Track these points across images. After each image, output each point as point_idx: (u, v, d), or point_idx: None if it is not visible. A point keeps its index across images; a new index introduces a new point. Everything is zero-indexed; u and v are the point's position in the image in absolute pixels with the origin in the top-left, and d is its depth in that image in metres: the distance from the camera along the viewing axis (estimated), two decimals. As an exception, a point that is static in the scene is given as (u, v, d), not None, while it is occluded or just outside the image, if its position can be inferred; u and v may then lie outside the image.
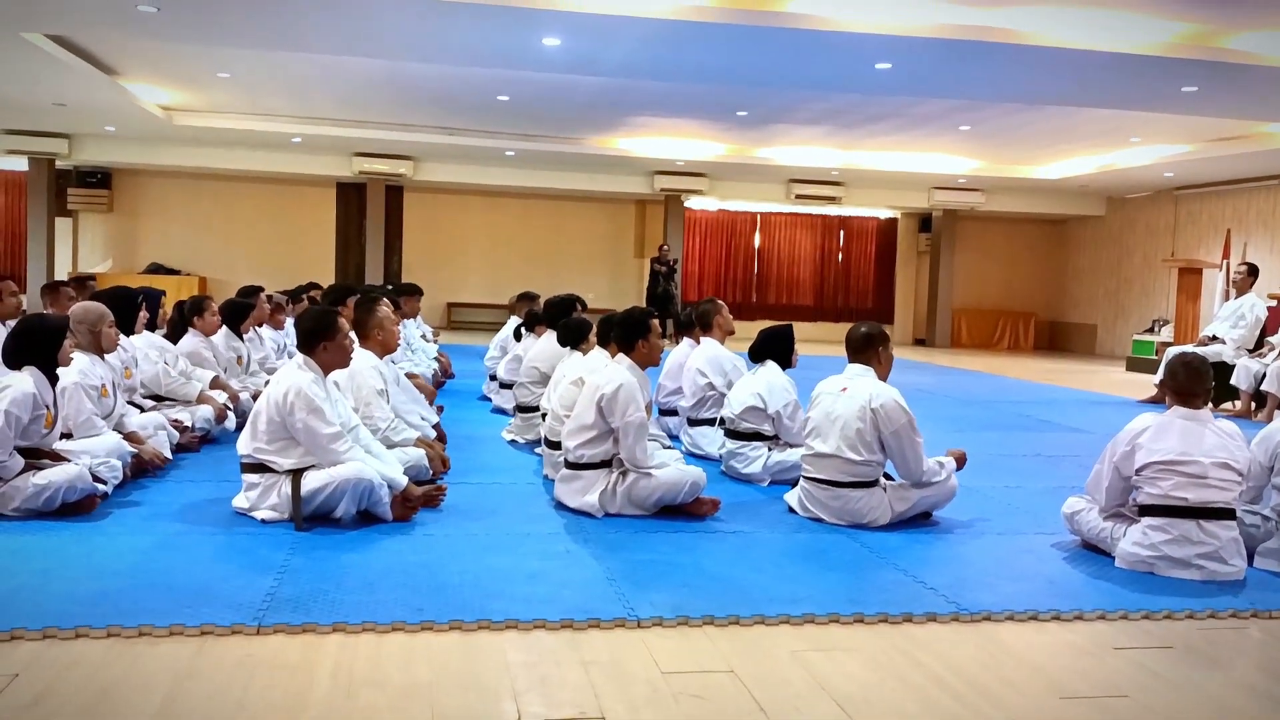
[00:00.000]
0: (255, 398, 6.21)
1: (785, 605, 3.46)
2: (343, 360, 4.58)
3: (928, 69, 9.37)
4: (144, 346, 6.08)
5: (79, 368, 4.85)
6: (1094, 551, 4.28)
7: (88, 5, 8.17)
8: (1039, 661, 3.16)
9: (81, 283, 6.97)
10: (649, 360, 4.88)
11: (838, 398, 4.64)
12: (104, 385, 5.05)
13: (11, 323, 6.28)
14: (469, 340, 15.49)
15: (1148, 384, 11.88)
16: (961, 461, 4.90)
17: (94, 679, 2.73)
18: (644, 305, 17.57)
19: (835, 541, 4.35)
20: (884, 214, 20.62)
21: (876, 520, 4.55)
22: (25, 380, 4.26)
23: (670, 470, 4.67)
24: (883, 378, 4.71)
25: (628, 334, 4.86)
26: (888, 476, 4.72)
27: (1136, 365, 14.55)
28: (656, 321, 4.96)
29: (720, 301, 6.69)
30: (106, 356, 5.20)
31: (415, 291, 9.75)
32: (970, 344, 20.22)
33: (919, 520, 4.69)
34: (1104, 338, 19.33)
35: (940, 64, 9.16)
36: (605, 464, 4.68)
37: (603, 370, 4.84)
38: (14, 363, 4.37)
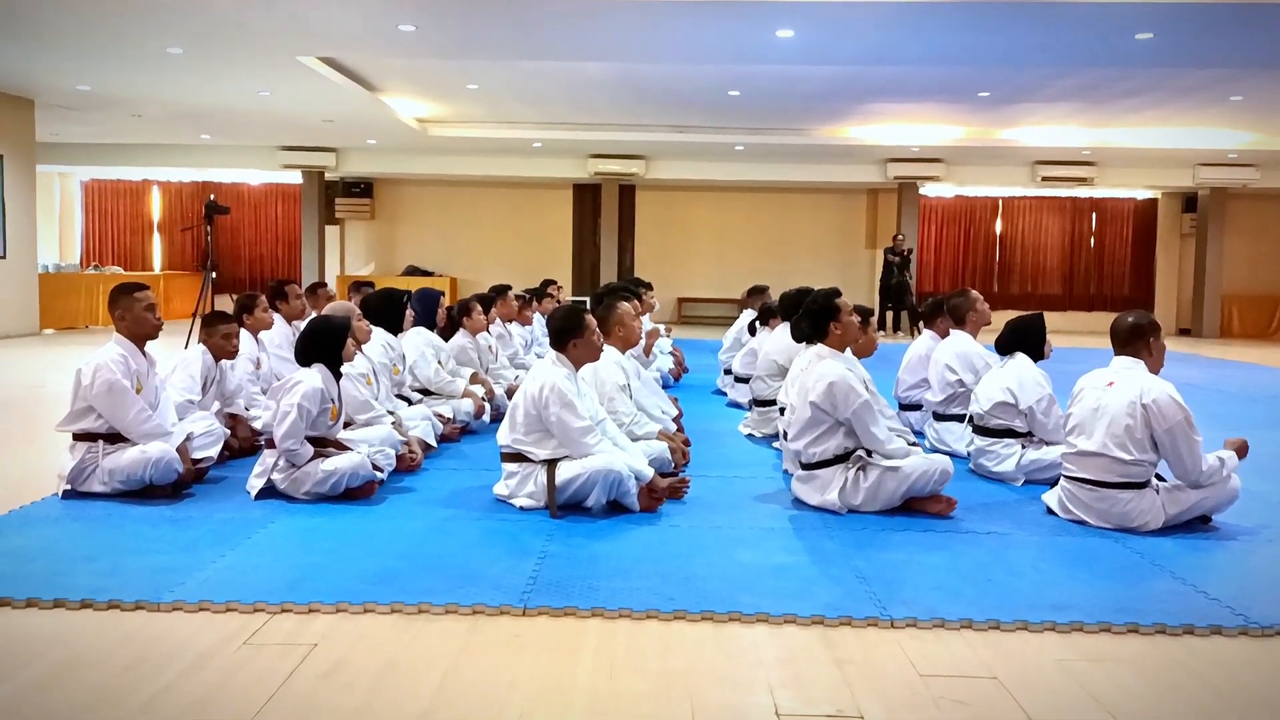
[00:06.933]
0: (509, 393, 6.58)
1: (1050, 611, 3.30)
2: (592, 355, 4.77)
3: (1194, 37, 8.64)
4: (420, 345, 6.55)
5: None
6: None
7: (355, 27, 8.87)
8: (1347, 686, 2.86)
9: (358, 287, 7.60)
10: (842, 343, 4.90)
11: (1104, 392, 4.36)
12: (367, 375, 5.50)
13: (298, 323, 6.93)
14: (699, 335, 15.68)
15: None
16: (1243, 451, 4.50)
17: (381, 650, 2.97)
18: (877, 297, 17.05)
19: (1102, 545, 4.10)
20: (1141, 194, 19.18)
21: (1147, 524, 4.24)
22: (315, 376, 4.71)
23: (916, 459, 4.54)
24: (1154, 371, 4.38)
25: (817, 323, 4.90)
26: (1159, 477, 4.40)
27: None
28: (844, 299, 4.98)
29: (975, 293, 6.38)
30: (365, 348, 5.65)
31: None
32: (1242, 334, 18.50)
33: (1194, 524, 4.35)
34: (1405, 326, 17.19)
35: (1208, 31, 8.42)
36: (840, 459, 4.63)
37: (810, 369, 4.78)
38: (305, 360, 4.83)
